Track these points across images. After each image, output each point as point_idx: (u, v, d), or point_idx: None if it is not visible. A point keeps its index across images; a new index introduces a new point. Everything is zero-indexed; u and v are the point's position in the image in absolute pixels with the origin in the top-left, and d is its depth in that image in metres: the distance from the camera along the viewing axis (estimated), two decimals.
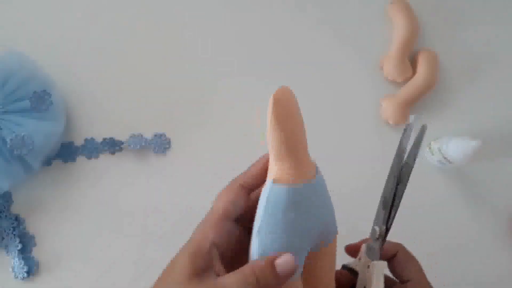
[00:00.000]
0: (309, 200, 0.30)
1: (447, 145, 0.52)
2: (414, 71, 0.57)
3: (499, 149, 0.57)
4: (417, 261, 0.37)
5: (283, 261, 0.28)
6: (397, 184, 0.38)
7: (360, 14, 0.60)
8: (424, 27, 0.59)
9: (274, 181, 0.29)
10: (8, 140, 0.46)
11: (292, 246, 0.29)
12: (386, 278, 0.36)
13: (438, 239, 0.55)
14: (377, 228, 0.37)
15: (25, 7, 0.57)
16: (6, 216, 0.52)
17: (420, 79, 0.56)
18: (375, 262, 0.35)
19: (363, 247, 0.37)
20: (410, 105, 0.56)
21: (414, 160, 0.38)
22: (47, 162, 0.53)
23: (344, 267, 0.38)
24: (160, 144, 0.55)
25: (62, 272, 0.52)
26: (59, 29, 0.57)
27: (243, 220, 0.32)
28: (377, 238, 0.36)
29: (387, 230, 0.36)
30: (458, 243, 0.56)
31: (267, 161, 0.32)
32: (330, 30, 0.59)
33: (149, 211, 0.54)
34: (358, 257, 0.37)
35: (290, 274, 0.28)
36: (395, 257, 0.37)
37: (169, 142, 0.55)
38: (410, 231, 0.55)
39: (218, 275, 0.29)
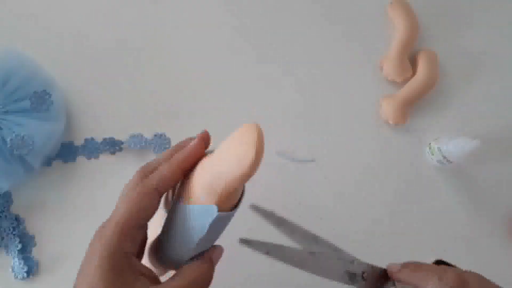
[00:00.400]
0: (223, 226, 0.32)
1: (447, 145, 0.52)
2: (414, 71, 0.57)
3: (499, 149, 0.57)
4: (427, 266, 0.32)
5: (217, 254, 0.31)
6: None
7: (360, 14, 0.60)
8: (424, 27, 0.59)
9: (220, 209, 0.29)
10: (8, 140, 0.46)
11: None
12: None
13: (437, 239, 0.55)
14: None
15: (25, 7, 0.57)
16: (6, 216, 0.52)
17: (420, 79, 0.56)
18: None
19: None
20: (410, 105, 0.56)
21: None
22: (47, 162, 0.53)
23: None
24: (160, 144, 0.55)
25: (62, 272, 0.52)
26: (59, 29, 0.57)
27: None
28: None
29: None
30: (458, 243, 0.56)
31: (185, 160, 0.31)
32: (330, 30, 0.59)
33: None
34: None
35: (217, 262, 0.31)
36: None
37: (169, 142, 0.55)
38: (409, 231, 0.55)
39: (152, 279, 0.29)
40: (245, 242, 0.32)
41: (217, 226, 0.31)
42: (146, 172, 0.30)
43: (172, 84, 0.57)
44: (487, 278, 0.34)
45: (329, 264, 0.32)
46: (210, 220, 0.29)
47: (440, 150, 0.53)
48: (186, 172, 0.31)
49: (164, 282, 0.28)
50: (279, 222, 0.35)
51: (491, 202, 0.56)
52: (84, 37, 0.57)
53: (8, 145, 0.46)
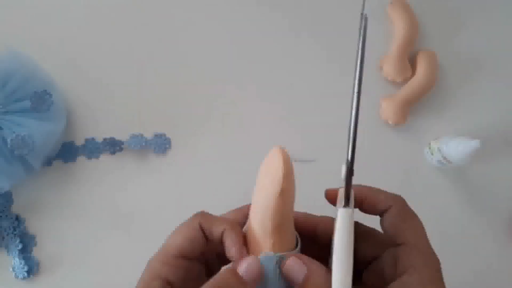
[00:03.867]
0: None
1: (446, 145, 0.52)
2: (413, 71, 0.57)
3: (499, 149, 0.57)
4: (417, 220, 0.30)
5: (246, 265, 0.27)
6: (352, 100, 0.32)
7: (360, 14, 0.60)
8: (424, 27, 0.59)
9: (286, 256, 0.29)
10: (8, 140, 0.46)
11: None
12: (376, 237, 0.31)
13: (437, 239, 0.55)
14: (343, 166, 0.31)
15: (25, 7, 0.57)
16: (6, 216, 0.52)
17: (420, 79, 0.56)
18: (338, 211, 0.29)
19: (340, 192, 0.31)
20: (410, 105, 0.56)
21: (362, 61, 0.32)
22: (48, 162, 0.53)
23: None
24: (160, 144, 0.55)
25: (62, 272, 0.52)
26: (59, 29, 0.57)
27: (203, 260, 0.31)
28: (344, 177, 0.31)
29: (351, 163, 0.31)
30: (458, 243, 0.56)
31: (241, 216, 0.31)
32: (330, 30, 0.59)
33: (149, 211, 0.54)
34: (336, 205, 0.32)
35: (257, 277, 0.27)
36: (387, 212, 0.30)
37: (169, 142, 0.55)
38: None
39: None
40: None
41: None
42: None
43: (172, 84, 0.57)
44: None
45: None
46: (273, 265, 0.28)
47: (440, 150, 0.53)
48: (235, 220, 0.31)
49: None
50: None
51: (491, 202, 0.56)
52: (84, 37, 0.57)
53: (9, 145, 0.46)
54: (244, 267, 0.27)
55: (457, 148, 0.51)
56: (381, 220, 0.30)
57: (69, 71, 0.55)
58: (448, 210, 0.56)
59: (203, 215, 0.30)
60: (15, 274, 0.51)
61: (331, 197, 0.32)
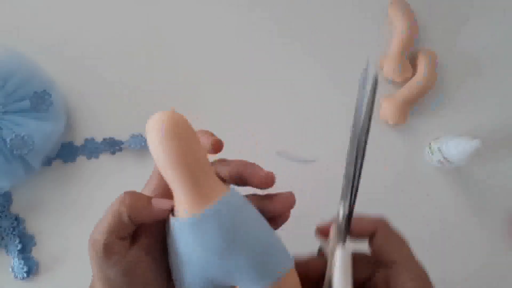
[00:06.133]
0: (213, 229, 0.26)
1: (447, 145, 0.52)
2: (413, 71, 0.57)
3: (499, 149, 0.57)
4: (402, 239, 0.31)
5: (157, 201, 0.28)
6: (357, 152, 0.32)
7: (360, 14, 0.60)
8: (424, 27, 0.59)
9: (172, 215, 0.27)
10: (8, 140, 0.46)
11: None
12: (367, 260, 0.31)
13: (437, 239, 0.55)
14: (341, 205, 0.31)
15: (25, 7, 0.57)
16: (6, 216, 0.52)
17: (420, 79, 0.56)
18: (338, 249, 0.29)
19: (333, 228, 0.31)
20: (410, 105, 0.56)
21: (370, 120, 0.33)
22: (47, 162, 0.53)
23: (319, 250, 0.33)
24: None
25: (62, 272, 0.52)
26: (59, 29, 0.57)
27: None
28: (343, 217, 0.31)
29: (351, 205, 0.31)
30: (458, 243, 0.56)
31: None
32: (330, 30, 0.59)
33: None
34: (328, 239, 0.31)
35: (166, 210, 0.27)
36: (374, 236, 0.31)
37: None
38: (409, 231, 0.55)
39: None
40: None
41: (179, 243, 0.27)
42: None
43: (172, 84, 0.57)
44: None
45: None
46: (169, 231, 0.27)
47: (440, 150, 0.53)
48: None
49: None
50: None
51: (491, 202, 0.56)
52: (84, 37, 0.57)
53: (8, 145, 0.46)
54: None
55: (457, 148, 0.51)
56: (369, 243, 0.32)
57: (69, 71, 0.55)
58: (448, 210, 0.56)
59: (129, 208, 0.30)
60: (15, 274, 0.51)
61: (323, 233, 0.32)
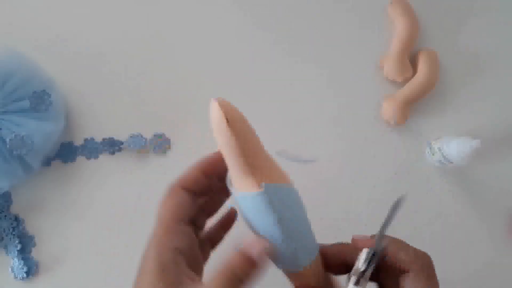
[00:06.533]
0: (283, 204, 0.30)
1: (447, 145, 0.52)
2: (414, 71, 0.57)
3: (499, 149, 0.57)
4: (417, 250, 0.31)
5: (256, 246, 0.28)
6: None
7: (360, 14, 0.60)
8: (424, 27, 0.59)
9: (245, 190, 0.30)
10: (7, 140, 0.46)
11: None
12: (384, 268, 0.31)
13: (437, 239, 0.55)
14: (365, 251, 0.32)
15: (25, 7, 0.57)
16: (5, 216, 0.52)
17: (420, 79, 0.56)
18: None
19: (355, 270, 0.31)
20: (410, 105, 0.56)
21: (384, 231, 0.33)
22: (47, 162, 0.53)
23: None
24: (160, 144, 0.55)
25: (62, 273, 0.52)
26: (59, 29, 0.57)
27: (196, 222, 0.32)
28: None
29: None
30: (458, 243, 0.56)
31: (205, 165, 0.32)
32: (330, 30, 0.59)
33: (149, 211, 0.54)
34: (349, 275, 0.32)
35: (265, 255, 0.28)
36: (406, 275, 0.31)
37: (168, 142, 0.55)
38: (409, 231, 0.55)
39: (193, 281, 0.28)
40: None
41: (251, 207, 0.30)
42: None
43: (172, 84, 0.56)
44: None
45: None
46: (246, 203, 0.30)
47: (441, 150, 0.53)
48: (207, 171, 0.33)
49: (202, 284, 0.28)
50: None
51: (491, 202, 0.56)
52: (84, 37, 0.57)
53: (8, 145, 0.46)
54: (252, 247, 0.28)
55: (457, 148, 0.51)
56: (400, 278, 0.31)
57: (69, 71, 0.55)
58: (449, 210, 0.56)
59: (177, 179, 0.32)
60: (14, 274, 0.51)
61: (357, 244, 0.33)
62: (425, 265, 0.31)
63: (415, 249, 0.31)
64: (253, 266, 0.28)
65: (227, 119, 0.29)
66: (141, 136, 0.54)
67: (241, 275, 0.28)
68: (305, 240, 0.31)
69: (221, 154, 0.31)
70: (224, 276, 0.27)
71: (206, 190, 0.33)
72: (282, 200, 0.30)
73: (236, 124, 0.29)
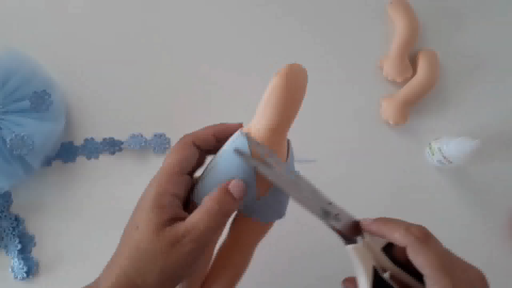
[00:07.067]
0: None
1: (447, 145, 0.52)
2: (414, 71, 0.57)
3: (499, 149, 0.57)
4: (435, 251, 0.32)
5: (234, 185, 0.32)
6: None
7: (360, 14, 0.60)
8: (424, 27, 0.59)
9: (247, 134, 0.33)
10: (8, 140, 0.46)
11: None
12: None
13: (438, 238, 0.55)
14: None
15: (25, 7, 0.57)
16: (5, 216, 0.52)
17: (420, 79, 0.56)
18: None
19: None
20: (410, 105, 0.56)
21: None
22: (47, 162, 0.53)
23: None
24: (160, 144, 0.55)
25: (62, 273, 0.52)
26: (59, 29, 0.57)
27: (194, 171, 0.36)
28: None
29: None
30: (458, 243, 0.55)
31: (219, 129, 0.36)
32: (330, 30, 0.59)
33: None
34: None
35: (242, 195, 0.32)
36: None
37: (169, 142, 0.55)
38: None
39: (184, 220, 0.31)
40: (238, 152, 0.33)
41: (231, 154, 0.33)
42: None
43: (172, 84, 0.56)
44: (487, 277, 0.34)
45: (308, 197, 0.34)
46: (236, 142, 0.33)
47: (441, 150, 0.53)
48: (219, 135, 0.36)
49: (190, 215, 0.31)
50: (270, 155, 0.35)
51: (491, 202, 0.56)
52: (84, 37, 0.57)
53: (8, 145, 0.46)
54: (233, 185, 0.32)
55: (457, 148, 0.51)
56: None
57: (69, 71, 0.55)
58: (449, 210, 0.56)
59: (191, 134, 0.35)
60: (14, 274, 0.51)
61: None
62: (413, 238, 0.33)
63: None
64: (235, 201, 0.32)
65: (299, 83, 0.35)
66: (141, 136, 0.54)
67: (225, 209, 0.32)
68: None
69: (236, 125, 0.36)
70: (211, 209, 0.31)
71: (213, 151, 0.36)
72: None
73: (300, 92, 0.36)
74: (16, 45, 0.52)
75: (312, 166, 0.56)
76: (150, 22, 0.58)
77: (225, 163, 0.33)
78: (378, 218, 0.35)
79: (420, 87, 0.56)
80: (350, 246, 0.34)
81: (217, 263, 0.36)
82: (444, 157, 0.53)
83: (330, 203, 0.35)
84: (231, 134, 0.35)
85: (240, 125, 0.36)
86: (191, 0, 0.59)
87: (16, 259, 0.51)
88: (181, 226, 0.31)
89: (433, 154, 0.54)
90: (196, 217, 0.31)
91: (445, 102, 0.58)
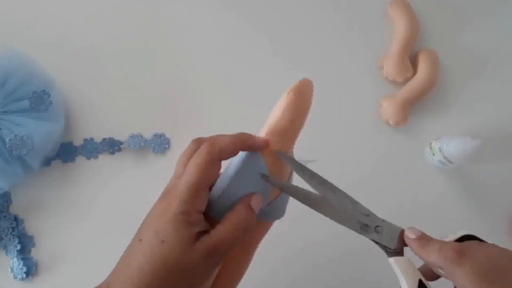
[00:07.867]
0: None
1: (447, 145, 0.52)
2: (414, 71, 0.57)
3: (499, 149, 0.57)
4: (464, 270, 0.30)
5: (255, 200, 0.33)
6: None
7: (360, 14, 0.60)
8: (424, 27, 0.59)
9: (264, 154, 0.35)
10: (7, 140, 0.46)
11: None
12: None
13: (438, 238, 0.55)
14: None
15: (25, 7, 0.57)
16: (5, 216, 0.52)
17: (421, 79, 0.56)
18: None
19: None
20: (411, 105, 0.56)
21: None
22: (47, 162, 0.53)
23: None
24: (160, 144, 0.55)
25: (61, 273, 0.52)
26: (59, 29, 0.57)
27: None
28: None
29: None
30: None
31: (246, 145, 0.35)
32: (330, 30, 0.59)
33: (149, 211, 0.54)
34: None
35: (260, 208, 0.34)
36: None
37: (168, 142, 0.55)
38: None
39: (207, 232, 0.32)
40: (264, 176, 0.33)
41: (249, 171, 0.33)
42: (201, 141, 0.36)
43: (172, 84, 0.56)
44: None
45: (343, 211, 0.33)
46: (241, 160, 0.34)
47: (441, 150, 0.53)
48: (242, 148, 0.36)
49: (213, 230, 0.31)
50: (301, 167, 0.36)
51: (491, 202, 0.56)
52: (84, 37, 0.57)
53: (7, 145, 0.46)
54: (254, 200, 0.33)
55: (458, 148, 0.50)
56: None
57: (69, 71, 0.55)
58: (449, 210, 0.56)
59: (216, 145, 0.34)
60: (14, 274, 0.51)
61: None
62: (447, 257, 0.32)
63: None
64: (255, 215, 0.33)
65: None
66: (141, 136, 0.54)
67: (248, 224, 0.32)
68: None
69: (263, 142, 0.36)
70: (236, 224, 0.32)
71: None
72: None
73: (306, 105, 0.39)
74: (16, 45, 0.52)
75: (312, 166, 0.56)
76: (150, 23, 0.58)
77: (240, 180, 0.33)
78: (421, 235, 0.35)
79: (421, 87, 0.56)
80: (392, 259, 0.33)
81: (222, 263, 0.36)
82: (445, 157, 0.52)
83: (368, 215, 0.34)
84: (252, 148, 0.35)
85: (266, 142, 0.37)
86: (191, 1, 0.59)
87: (15, 259, 0.51)
88: (209, 241, 0.31)
89: (433, 154, 0.54)
90: (222, 231, 0.31)
91: (445, 102, 0.58)
